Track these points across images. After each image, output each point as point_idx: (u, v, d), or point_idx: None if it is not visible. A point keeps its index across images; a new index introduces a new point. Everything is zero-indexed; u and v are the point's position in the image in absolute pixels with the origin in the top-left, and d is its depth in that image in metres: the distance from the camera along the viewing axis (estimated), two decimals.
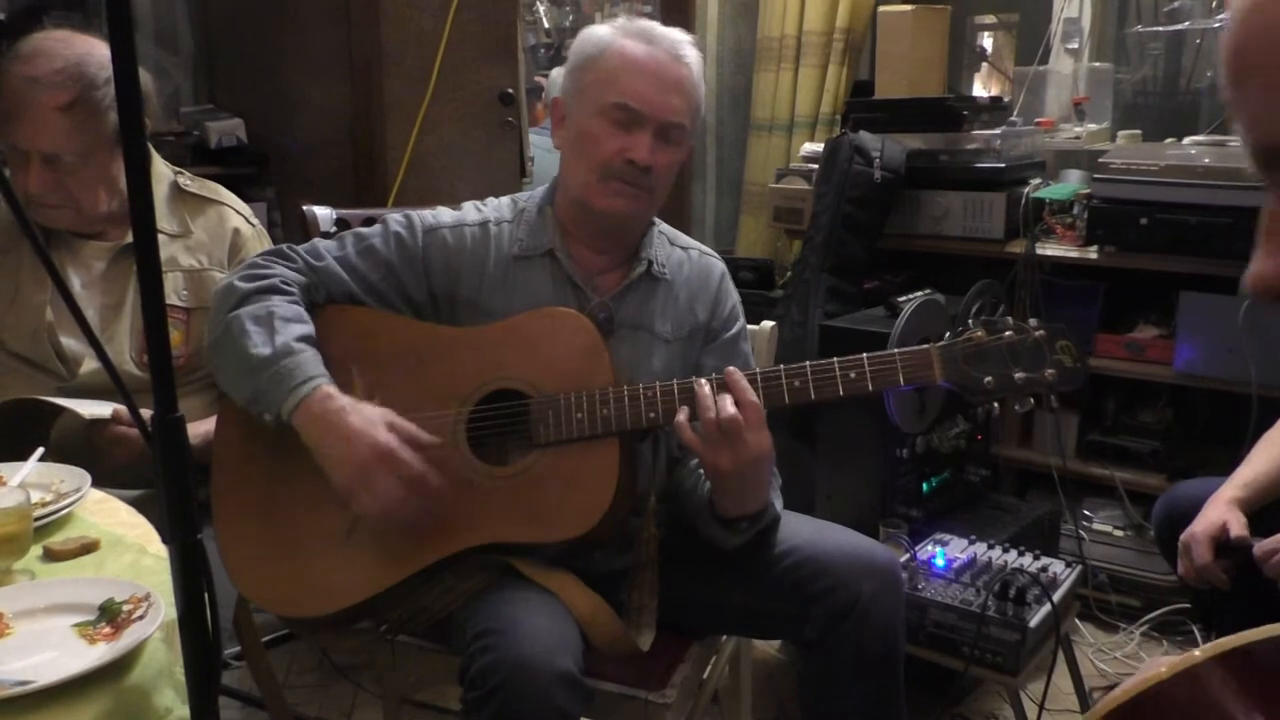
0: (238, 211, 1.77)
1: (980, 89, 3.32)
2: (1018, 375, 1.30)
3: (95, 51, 1.56)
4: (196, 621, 0.81)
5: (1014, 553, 2.07)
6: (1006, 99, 3.05)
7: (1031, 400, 1.31)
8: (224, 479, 1.41)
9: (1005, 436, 2.81)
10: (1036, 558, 2.05)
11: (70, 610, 0.92)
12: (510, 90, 2.59)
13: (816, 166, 2.89)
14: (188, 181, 1.75)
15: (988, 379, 1.30)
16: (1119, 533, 2.62)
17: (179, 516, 0.82)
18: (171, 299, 1.67)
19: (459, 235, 1.49)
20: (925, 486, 2.38)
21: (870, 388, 1.32)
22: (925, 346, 1.32)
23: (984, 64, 3.36)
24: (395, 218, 1.50)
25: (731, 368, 1.32)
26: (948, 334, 1.35)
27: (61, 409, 1.46)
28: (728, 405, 1.28)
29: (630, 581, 1.46)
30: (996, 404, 1.34)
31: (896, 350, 1.32)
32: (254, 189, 2.68)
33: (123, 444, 1.49)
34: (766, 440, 1.30)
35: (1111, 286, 2.67)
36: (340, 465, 1.28)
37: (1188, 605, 2.43)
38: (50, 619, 0.91)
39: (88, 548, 1.05)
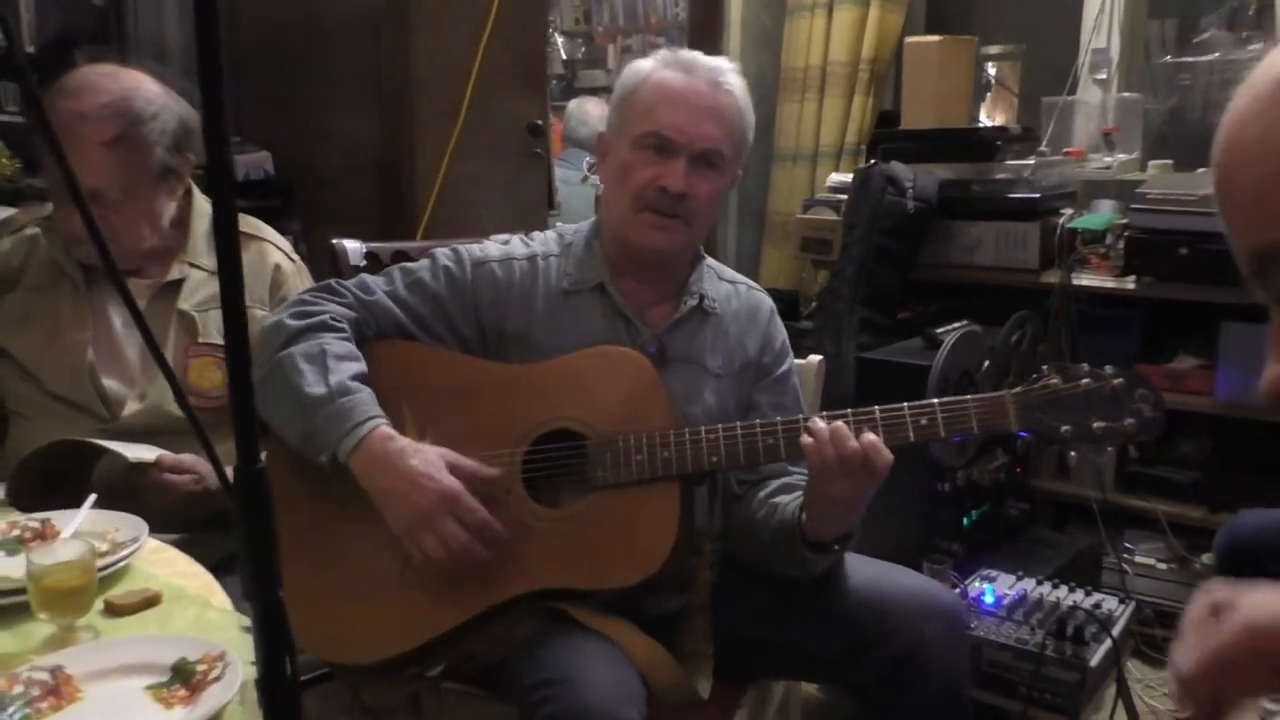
0: (278, 247, 1.74)
1: (985, 118, 3.30)
2: (1096, 425, 1.27)
3: (142, 86, 1.54)
4: (279, 685, 0.77)
5: (1064, 589, 2.03)
6: (1011, 128, 3.01)
7: (1110, 449, 1.28)
8: None
9: (1042, 468, 2.76)
10: (1089, 594, 2.01)
11: (142, 671, 0.88)
12: (539, 121, 2.58)
13: (845, 197, 2.88)
14: None
15: (1065, 428, 1.27)
16: (1162, 565, 2.57)
17: (262, 573, 0.79)
18: (214, 337, 1.64)
19: (508, 269, 1.47)
20: (966, 521, 2.34)
21: (943, 433, 1.28)
22: (1000, 394, 1.29)
23: (988, 93, 3.33)
24: (444, 252, 1.48)
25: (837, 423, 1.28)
26: (1006, 378, 1.32)
27: (104, 450, 1.42)
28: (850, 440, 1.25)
29: (684, 626, 1.43)
30: (1073, 452, 1.30)
31: (970, 397, 1.29)
32: (280, 221, 2.65)
33: (167, 490, 1.46)
34: (883, 471, 1.27)
35: (1147, 316, 2.64)
36: (402, 509, 1.25)
37: None
38: (121, 681, 0.88)
39: (150, 601, 1.01)
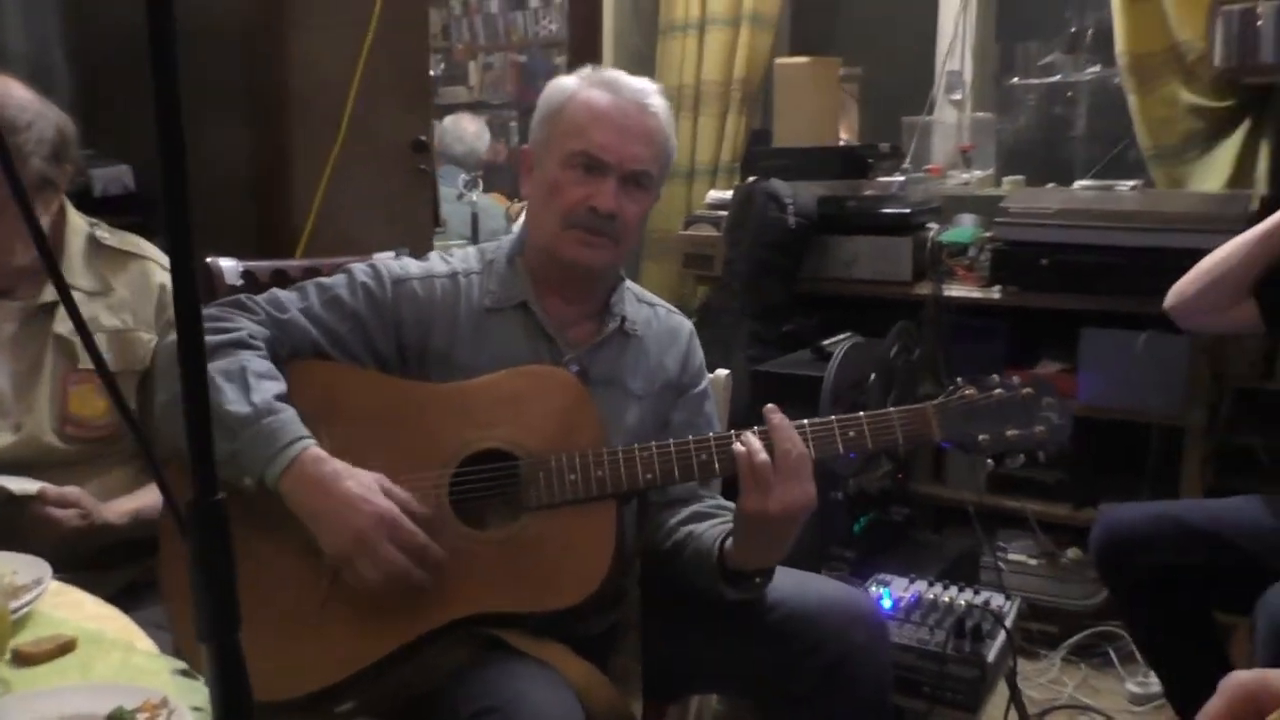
0: (163, 266, 1.63)
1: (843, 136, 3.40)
2: (1010, 432, 1.32)
3: (13, 93, 1.42)
4: None
5: (954, 589, 2.11)
6: (881, 146, 3.11)
7: (1022, 457, 1.33)
8: (175, 552, 1.29)
9: (919, 474, 2.87)
10: (976, 592, 2.09)
11: None
12: (423, 138, 2.52)
13: (725, 213, 2.93)
14: (105, 234, 1.61)
15: (982, 437, 1.32)
16: (1033, 561, 2.71)
17: (218, 613, 0.73)
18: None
19: (428, 286, 1.43)
20: (856, 528, 2.41)
21: (870, 445, 1.31)
22: (922, 405, 1.33)
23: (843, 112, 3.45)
24: (361, 268, 1.42)
25: (777, 416, 1.29)
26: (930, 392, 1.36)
27: None
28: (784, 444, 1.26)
29: (616, 645, 1.41)
30: (991, 461, 1.35)
31: (894, 409, 1.32)
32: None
33: (50, 525, 1.34)
34: (814, 489, 1.28)
35: (1013, 324, 2.79)
36: (337, 533, 1.20)
37: (1104, 629, 2.53)
38: None
39: (65, 648, 0.92)
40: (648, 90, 1.44)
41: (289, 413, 1.24)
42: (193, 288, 0.73)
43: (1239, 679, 0.60)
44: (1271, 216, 1.82)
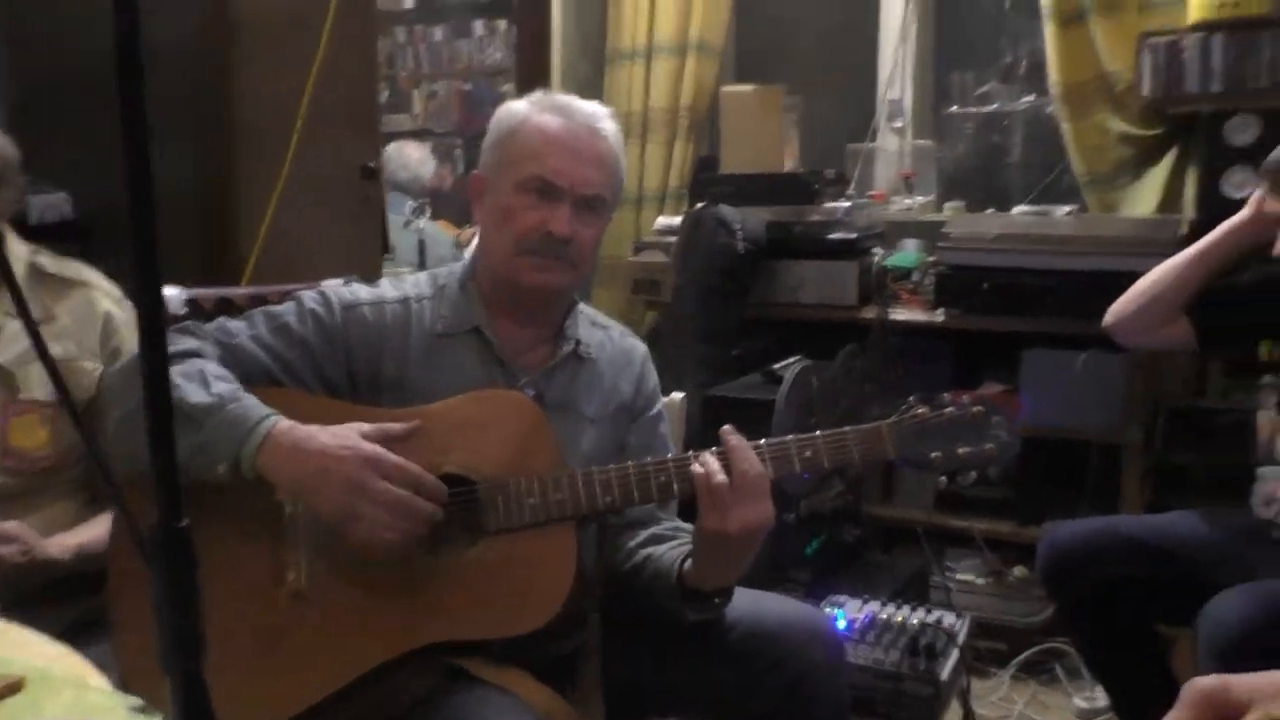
0: (108, 294, 1.61)
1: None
2: (961, 450, 1.35)
3: None
4: None
5: (906, 608, 2.14)
6: (826, 172, 3.17)
7: (974, 474, 1.36)
8: (124, 582, 1.25)
9: (869, 494, 2.91)
10: (929, 611, 2.12)
11: None
12: (372, 164, 2.51)
13: (674, 239, 2.96)
14: (47, 261, 1.58)
15: (935, 454, 1.34)
16: (980, 580, 2.75)
17: (183, 642, 0.72)
18: (34, 393, 1.49)
19: (379, 312, 1.42)
20: (809, 549, 2.43)
21: (826, 465, 1.33)
22: (877, 424, 1.35)
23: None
24: (310, 295, 1.41)
25: (735, 437, 1.31)
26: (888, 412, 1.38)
27: None
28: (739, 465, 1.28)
29: (576, 670, 1.40)
30: (944, 478, 1.38)
31: (849, 428, 1.34)
32: None
33: None
34: (771, 509, 1.29)
35: (957, 346, 2.84)
36: (329, 488, 1.20)
37: (1051, 645, 2.57)
38: None
39: (13, 688, 0.89)
40: (599, 114, 1.45)
41: (252, 398, 1.25)
42: (158, 311, 0.72)
43: (1201, 686, 0.61)
44: (1202, 239, 1.90)
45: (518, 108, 1.45)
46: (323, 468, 1.20)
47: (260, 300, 1.67)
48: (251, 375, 1.33)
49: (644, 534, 1.46)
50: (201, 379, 1.23)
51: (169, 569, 0.71)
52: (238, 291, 1.82)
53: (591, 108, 1.46)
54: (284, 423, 1.23)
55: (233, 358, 1.33)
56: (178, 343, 1.29)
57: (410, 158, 3.92)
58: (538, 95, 1.47)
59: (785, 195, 2.91)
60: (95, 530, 1.47)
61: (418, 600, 1.26)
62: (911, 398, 1.39)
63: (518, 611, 1.26)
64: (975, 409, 1.37)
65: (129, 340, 1.58)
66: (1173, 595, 1.80)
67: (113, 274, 2.09)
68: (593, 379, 1.49)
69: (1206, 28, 2.52)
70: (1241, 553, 1.78)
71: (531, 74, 3.32)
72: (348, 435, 1.23)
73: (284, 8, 2.45)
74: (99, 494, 1.57)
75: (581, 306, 1.56)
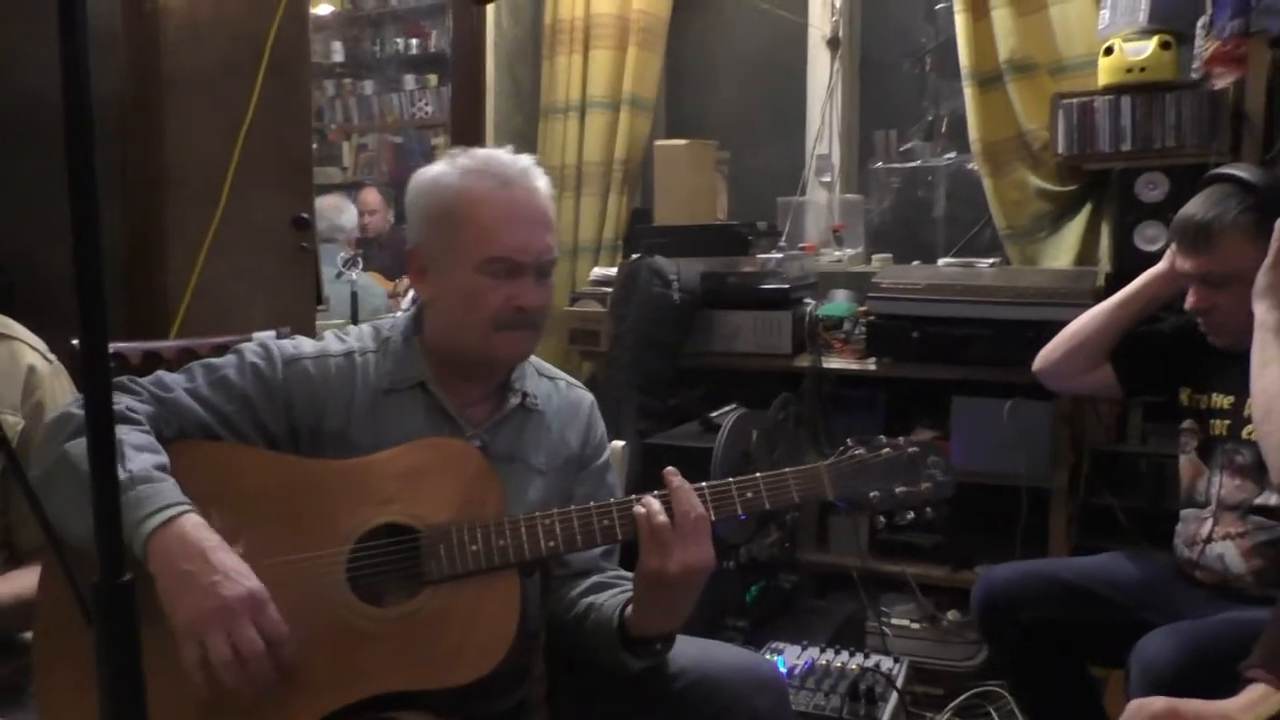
0: (32, 347, 1.56)
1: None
2: (898, 489, 1.37)
3: None
4: None
5: (845, 654, 2.15)
6: (759, 224, 3.24)
7: (911, 514, 1.39)
8: (51, 648, 1.21)
9: (804, 540, 2.93)
10: (866, 656, 2.13)
11: None
12: (305, 215, 2.49)
13: (610, 290, 2.98)
14: None
15: (873, 494, 1.37)
16: (915, 625, 2.78)
17: (125, 702, 0.70)
18: None
19: (322, 366, 1.40)
20: (748, 596, 2.43)
21: (767, 505, 1.34)
22: (815, 465, 1.37)
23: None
24: (251, 348, 1.39)
25: (677, 479, 1.31)
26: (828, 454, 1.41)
27: None
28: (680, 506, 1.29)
29: None
30: (883, 518, 1.40)
31: (789, 470, 1.36)
32: None
33: None
34: (712, 550, 1.29)
35: (889, 394, 2.90)
36: (198, 598, 1.13)
37: (986, 689, 2.60)
38: None
39: None
40: (530, 170, 1.43)
41: (169, 483, 1.19)
42: (104, 366, 0.71)
43: (1149, 709, 0.63)
44: (1122, 290, 1.98)
45: (446, 178, 1.40)
46: (210, 579, 1.14)
47: (189, 353, 1.64)
48: (187, 429, 1.30)
49: (586, 583, 1.46)
50: (119, 452, 1.19)
51: (111, 627, 0.69)
52: (165, 344, 1.78)
53: (520, 164, 1.42)
54: (192, 520, 1.17)
55: (168, 412, 1.29)
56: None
57: (325, 205, 3.88)
58: (459, 159, 1.42)
59: (719, 246, 2.96)
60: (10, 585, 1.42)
61: (357, 653, 1.23)
62: (849, 440, 1.41)
63: (459, 661, 1.24)
64: (911, 449, 1.40)
65: (52, 395, 1.54)
66: (1103, 636, 1.85)
67: (35, 329, 2.03)
68: (540, 430, 1.49)
69: (1116, 90, 2.64)
70: (1169, 593, 1.83)
71: (465, 127, 3.35)
72: (245, 569, 1.17)
73: (216, 60, 2.44)
74: (17, 552, 1.51)
75: (530, 358, 1.55)
